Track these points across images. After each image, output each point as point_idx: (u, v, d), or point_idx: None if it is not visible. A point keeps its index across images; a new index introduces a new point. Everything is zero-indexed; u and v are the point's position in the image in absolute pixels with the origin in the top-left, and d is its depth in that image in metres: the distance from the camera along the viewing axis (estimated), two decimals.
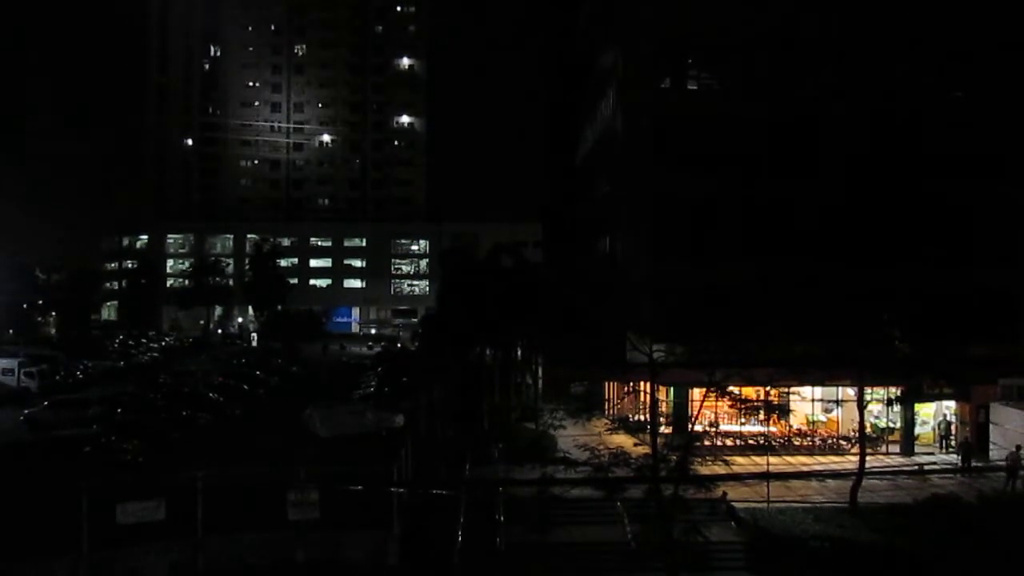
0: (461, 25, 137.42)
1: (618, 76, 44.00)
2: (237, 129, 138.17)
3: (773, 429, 37.69)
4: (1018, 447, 31.96)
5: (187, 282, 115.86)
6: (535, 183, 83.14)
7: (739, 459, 33.63)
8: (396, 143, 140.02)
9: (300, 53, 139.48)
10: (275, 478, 26.87)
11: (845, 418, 38.32)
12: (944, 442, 38.71)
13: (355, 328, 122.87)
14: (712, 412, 36.42)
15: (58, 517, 24.26)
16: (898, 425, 38.75)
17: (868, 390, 34.00)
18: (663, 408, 37.08)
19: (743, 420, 35.39)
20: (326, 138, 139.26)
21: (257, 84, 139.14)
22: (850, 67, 40.20)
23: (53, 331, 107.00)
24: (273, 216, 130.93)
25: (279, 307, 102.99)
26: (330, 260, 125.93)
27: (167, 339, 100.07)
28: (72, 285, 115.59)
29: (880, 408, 38.63)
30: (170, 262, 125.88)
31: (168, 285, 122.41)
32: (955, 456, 36.70)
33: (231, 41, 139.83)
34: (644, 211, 40.27)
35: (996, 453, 35.57)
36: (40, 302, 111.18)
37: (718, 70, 41.83)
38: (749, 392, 30.61)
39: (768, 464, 34.51)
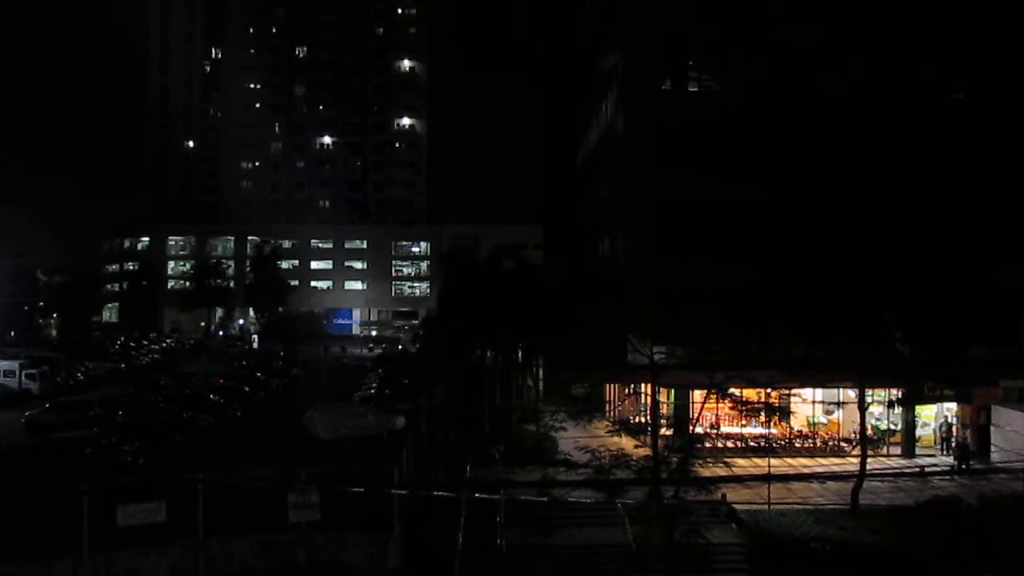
0: (462, 27, 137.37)
1: (619, 78, 44.03)
2: (238, 130, 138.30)
3: (774, 431, 37.69)
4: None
5: (188, 284, 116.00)
6: (536, 185, 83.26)
7: (740, 461, 33.62)
8: (397, 145, 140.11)
9: (301, 55, 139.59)
10: (276, 480, 26.89)
11: (846, 420, 38.32)
12: (945, 444, 38.70)
13: (356, 330, 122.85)
14: (713, 414, 36.51)
15: (59, 519, 24.25)
16: (899, 427, 38.73)
17: (869, 392, 34.00)
18: (664, 410, 37.06)
19: (744, 422, 35.43)
20: (327, 140, 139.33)
21: (258, 86, 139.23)
22: (851, 68, 40.17)
23: (54, 333, 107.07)
24: (274, 218, 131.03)
25: (280, 309, 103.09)
26: (331, 262, 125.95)
27: (168, 341, 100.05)
28: (73, 287, 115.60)
29: (881, 410, 38.62)
30: (171, 264, 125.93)
31: (169, 287, 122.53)
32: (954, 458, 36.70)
33: (232, 43, 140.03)
34: (645, 213, 40.26)
35: (997, 455, 35.57)
36: (41, 304, 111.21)
37: (719, 72, 41.83)
38: (750, 394, 30.66)
39: (769, 466, 34.51)
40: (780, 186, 38.44)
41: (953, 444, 38.07)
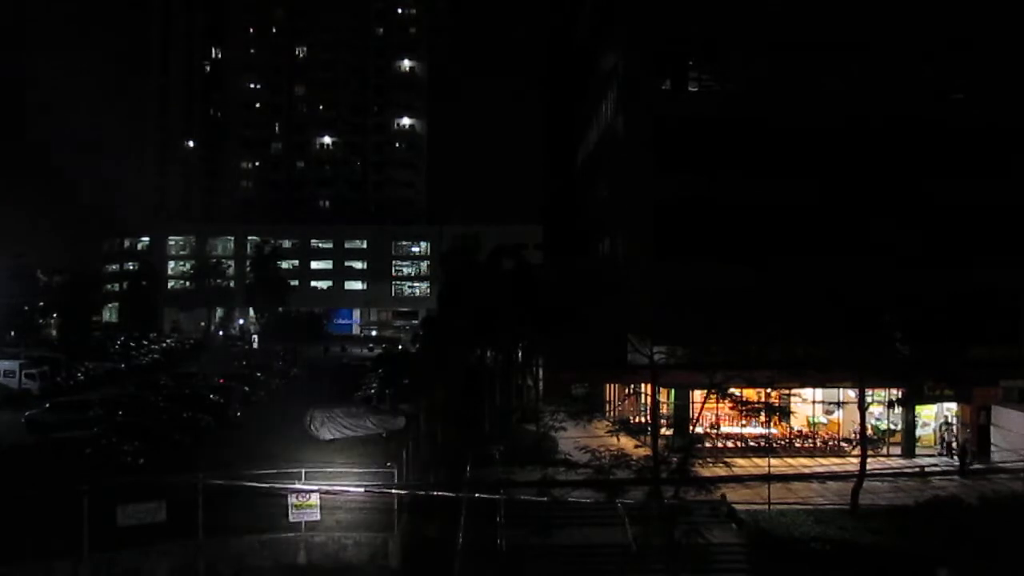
0: (461, 27, 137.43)
1: (619, 78, 44.01)
2: (238, 130, 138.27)
3: (774, 431, 37.68)
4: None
5: (188, 284, 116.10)
6: (536, 185, 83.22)
7: (740, 461, 33.60)
8: (397, 145, 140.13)
9: (301, 55, 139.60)
10: (276, 480, 26.88)
11: (846, 420, 38.30)
12: (944, 444, 38.63)
13: (356, 330, 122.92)
14: (713, 414, 36.48)
15: (59, 519, 24.27)
16: (899, 427, 38.73)
17: (869, 392, 33.97)
18: (664, 410, 37.05)
19: (744, 422, 35.41)
20: (327, 140, 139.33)
21: (258, 86, 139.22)
22: (850, 68, 40.20)
23: (54, 333, 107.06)
24: (274, 218, 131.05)
25: (280, 309, 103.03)
26: (331, 262, 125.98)
27: (168, 341, 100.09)
28: (73, 287, 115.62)
29: (881, 410, 38.61)
30: (171, 264, 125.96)
31: (169, 287, 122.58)
32: (953, 458, 36.69)
33: (232, 43, 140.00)
34: (645, 212, 40.25)
35: (997, 455, 35.56)
36: (41, 304, 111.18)
37: (719, 72, 41.83)
38: (750, 394, 30.62)
39: (769, 466, 34.48)
40: (779, 186, 38.50)
41: (954, 444, 38.09)
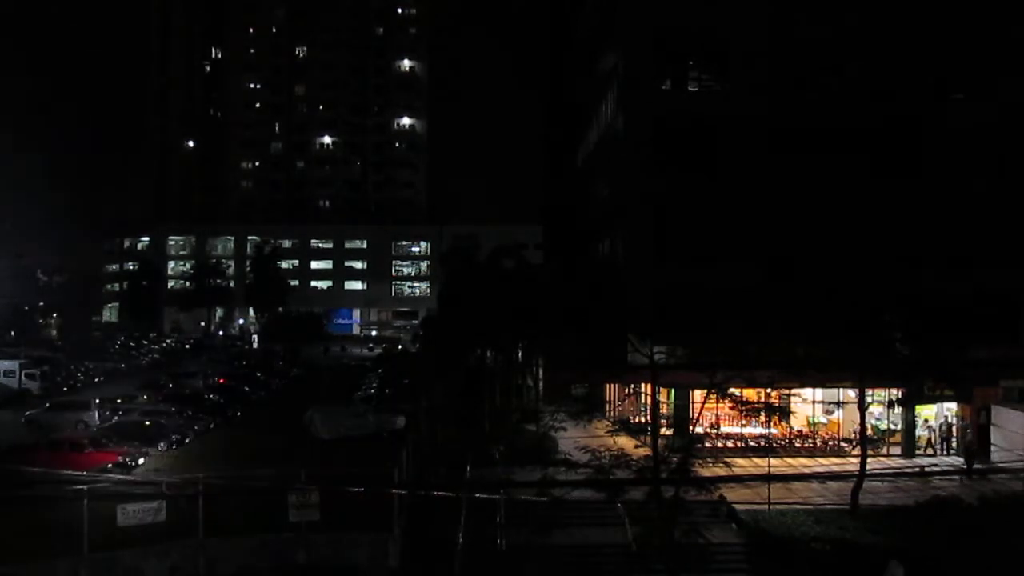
0: (461, 27, 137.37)
1: (619, 77, 44.00)
2: (238, 130, 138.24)
3: (774, 431, 37.68)
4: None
5: (188, 284, 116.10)
6: (536, 185, 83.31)
7: (740, 461, 33.59)
8: (397, 145, 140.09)
9: (301, 55, 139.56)
10: (276, 480, 26.89)
11: (846, 420, 38.29)
12: (945, 444, 38.63)
13: (356, 330, 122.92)
14: (713, 414, 36.49)
15: (59, 519, 24.26)
16: (899, 427, 38.73)
17: (869, 392, 33.97)
18: (664, 410, 37.04)
19: (744, 422, 35.41)
20: (327, 140, 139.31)
21: (258, 85, 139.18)
22: (850, 68, 40.18)
23: (54, 333, 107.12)
24: (274, 218, 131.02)
25: (280, 309, 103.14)
26: (331, 262, 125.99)
27: (168, 341, 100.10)
28: (73, 287, 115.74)
29: (881, 410, 38.61)
30: (171, 264, 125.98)
31: (169, 287, 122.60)
32: (955, 458, 36.68)
33: (232, 42, 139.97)
34: (645, 212, 40.25)
35: (997, 455, 35.55)
36: (41, 304, 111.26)
37: (719, 71, 41.81)
38: (750, 394, 30.63)
39: (769, 466, 34.49)
40: (780, 185, 38.49)
41: (955, 443, 38.10)
